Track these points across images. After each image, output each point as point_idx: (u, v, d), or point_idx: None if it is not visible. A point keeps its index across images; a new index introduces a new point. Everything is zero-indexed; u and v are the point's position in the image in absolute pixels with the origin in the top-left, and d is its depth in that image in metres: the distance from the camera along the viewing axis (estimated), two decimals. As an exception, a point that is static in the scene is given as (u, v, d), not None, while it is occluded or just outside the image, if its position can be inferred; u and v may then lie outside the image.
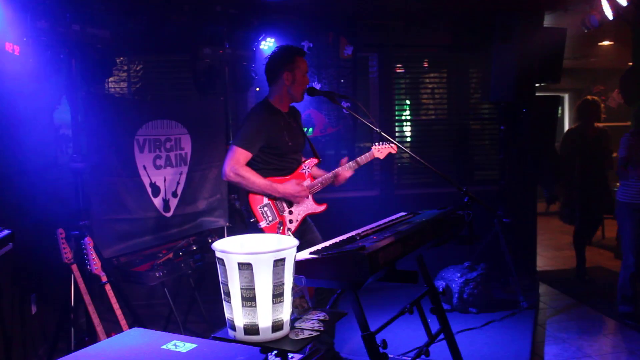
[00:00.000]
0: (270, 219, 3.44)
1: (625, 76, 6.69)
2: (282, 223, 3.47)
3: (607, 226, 8.33)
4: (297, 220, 3.53)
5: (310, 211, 3.61)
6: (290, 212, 3.52)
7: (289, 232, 3.47)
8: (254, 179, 3.41)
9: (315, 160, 3.76)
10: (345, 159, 3.76)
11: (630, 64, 6.78)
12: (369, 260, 2.34)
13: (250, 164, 3.49)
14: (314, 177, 3.70)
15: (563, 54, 5.92)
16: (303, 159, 3.76)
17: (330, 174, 3.69)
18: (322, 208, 3.66)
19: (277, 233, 3.43)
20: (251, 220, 3.46)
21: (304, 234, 3.61)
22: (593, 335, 4.65)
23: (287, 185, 3.49)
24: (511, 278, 5.53)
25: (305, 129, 5.64)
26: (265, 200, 3.45)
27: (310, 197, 3.61)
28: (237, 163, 3.39)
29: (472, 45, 6.16)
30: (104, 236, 4.05)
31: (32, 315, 4.06)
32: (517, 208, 6.04)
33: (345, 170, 3.72)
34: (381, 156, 3.89)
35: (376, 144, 3.90)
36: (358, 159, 3.78)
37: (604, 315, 5.10)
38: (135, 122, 4.35)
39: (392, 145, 3.89)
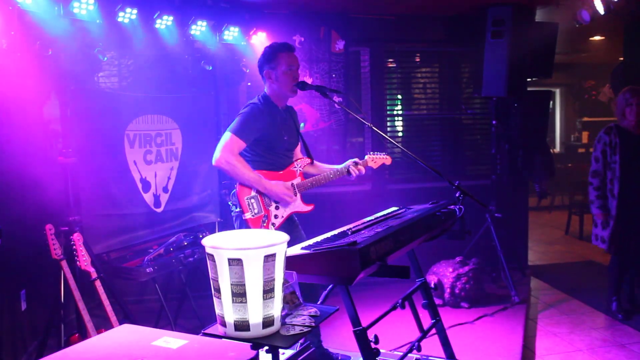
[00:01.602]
0: (255, 211, 3.42)
1: (616, 71, 6.73)
2: (266, 217, 3.46)
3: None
4: (283, 217, 3.52)
5: (297, 209, 3.60)
6: (277, 208, 3.50)
7: (272, 227, 3.45)
8: (244, 170, 3.39)
9: (307, 160, 3.75)
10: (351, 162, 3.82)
11: (621, 58, 6.80)
12: (360, 256, 2.33)
13: (242, 155, 3.47)
14: (305, 176, 3.69)
15: (555, 48, 5.93)
16: (296, 157, 3.75)
17: (321, 176, 3.68)
18: (309, 208, 3.65)
19: (261, 227, 3.42)
20: (236, 210, 3.44)
21: (289, 232, 3.59)
22: (584, 330, 4.67)
23: (274, 185, 3.47)
24: (503, 273, 5.54)
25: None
26: (253, 192, 3.43)
27: (298, 195, 3.60)
28: (231, 151, 3.37)
29: (464, 40, 6.16)
30: (94, 232, 4.03)
31: (22, 312, 4.03)
32: (509, 203, 6.05)
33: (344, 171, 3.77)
34: (374, 166, 3.94)
35: (370, 153, 3.96)
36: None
37: (595, 310, 5.12)
38: (125, 117, 4.32)
39: (387, 156, 3.99)
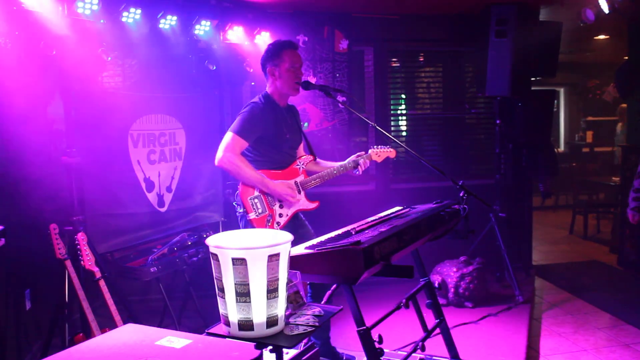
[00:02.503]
0: (259, 211, 3.42)
1: (621, 70, 6.70)
2: (271, 216, 3.45)
3: (602, 220, 8.35)
4: (287, 216, 3.51)
5: (301, 207, 3.59)
6: (281, 207, 3.50)
7: (277, 227, 3.45)
8: (246, 170, 3.39)
9: (310, 157, 3.75)
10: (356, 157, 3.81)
11: (626, 57, 6.78)
12: (364, 255, 2.33)
13: (245, 155, 3.47)
14: (308, 174, 3.69)
15: (559, 48, 5.91)
16: (299, 155, 3.75)
17: (325, 173, 3.67)
18: (314, 205, 3.64)
19: (266, 226, 3.42)
20: (240, 211, 3.44)
21: (295, 230, 3.59)
22: (589, 329, 4.65)
23: (278, 184, 3.47)
24: (507, 272, 5.53)
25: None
26: (256, 192, 3.43)
27: (302, 193, 3.60)
28: (233, 151, 3.37)
29: (468, 39, 6.14)
30: (97, 231, 4.03)
31: (27, 311, 4.03)
32: (513, 202, 6.04)
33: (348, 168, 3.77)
34: (379, 160, 3.93)
35: (374, 147, 3.92)
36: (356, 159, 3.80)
37: (600, 309, 5.10)
38: (129, 117, 4.33)
39: (391, 149, 3.95)
